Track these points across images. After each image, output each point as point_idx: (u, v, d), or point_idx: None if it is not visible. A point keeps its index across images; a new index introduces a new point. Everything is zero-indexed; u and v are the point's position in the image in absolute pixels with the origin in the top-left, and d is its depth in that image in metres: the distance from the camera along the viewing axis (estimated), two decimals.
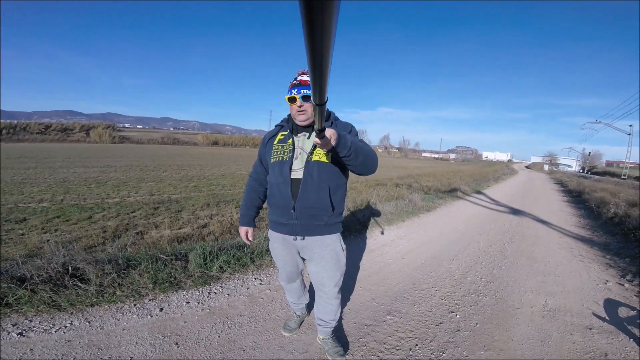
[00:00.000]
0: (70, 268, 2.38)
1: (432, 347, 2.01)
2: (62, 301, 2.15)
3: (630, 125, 32.93)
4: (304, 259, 1.75)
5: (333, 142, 1.15)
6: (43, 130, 41.77)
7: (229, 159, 21.55)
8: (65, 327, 1.96)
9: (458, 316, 2.40)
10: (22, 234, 3.95)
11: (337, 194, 1.58)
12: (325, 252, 1.61)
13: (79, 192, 7.06)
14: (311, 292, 2.04)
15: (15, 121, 41.14)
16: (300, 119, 1.51)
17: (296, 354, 1.89)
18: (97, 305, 2.20)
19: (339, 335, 2.03)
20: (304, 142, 1.55)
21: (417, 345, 2.03)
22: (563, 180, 20.70)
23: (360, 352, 1.94)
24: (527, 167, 63.99)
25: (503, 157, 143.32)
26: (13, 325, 1.93)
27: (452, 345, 2.04)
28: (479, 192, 10.33)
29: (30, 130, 40.25)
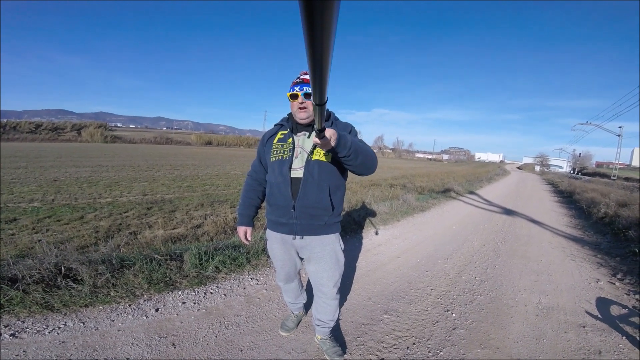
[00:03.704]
0: (62, 268, 2.34)
1: (430, 346, 2.03)
2: (55, 302, 2.11)
3: (620, 127, 33.59)
4: (302, 259, 1.74)
5: (333, 142, 1.15)
6: (34, 129, 41.11)
7: (223, 159, 21.43)
8: (59, 328, 1.93)
9: (454, 315, 2.42)
10: (13, 234, 3.87)
11: (337, 193, 1.58)
12: (324, 252, 1.60)
13: (71, 191, 6.95)
14: (309, 291, 2.03)
15: (5, 120, 40.40)
16: (301, 116, 1.51)
17: (294, 354, 1.89)
18: (91, 305, 2.17)
19: (337, 335, 2.03)
20: (304, 141, 1.54)
21: (414, 343, 2.04)
22: (554, 180, 21.00)
23: (358, 351, 1.94)
24: (519, 167, 64.85)
25: (495, 158, 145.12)
26: (5, 327, 1.89)
27: (448, 344, 2.05)
28: (472, 193, 10.43)
29: (20, 130, 39.57)
